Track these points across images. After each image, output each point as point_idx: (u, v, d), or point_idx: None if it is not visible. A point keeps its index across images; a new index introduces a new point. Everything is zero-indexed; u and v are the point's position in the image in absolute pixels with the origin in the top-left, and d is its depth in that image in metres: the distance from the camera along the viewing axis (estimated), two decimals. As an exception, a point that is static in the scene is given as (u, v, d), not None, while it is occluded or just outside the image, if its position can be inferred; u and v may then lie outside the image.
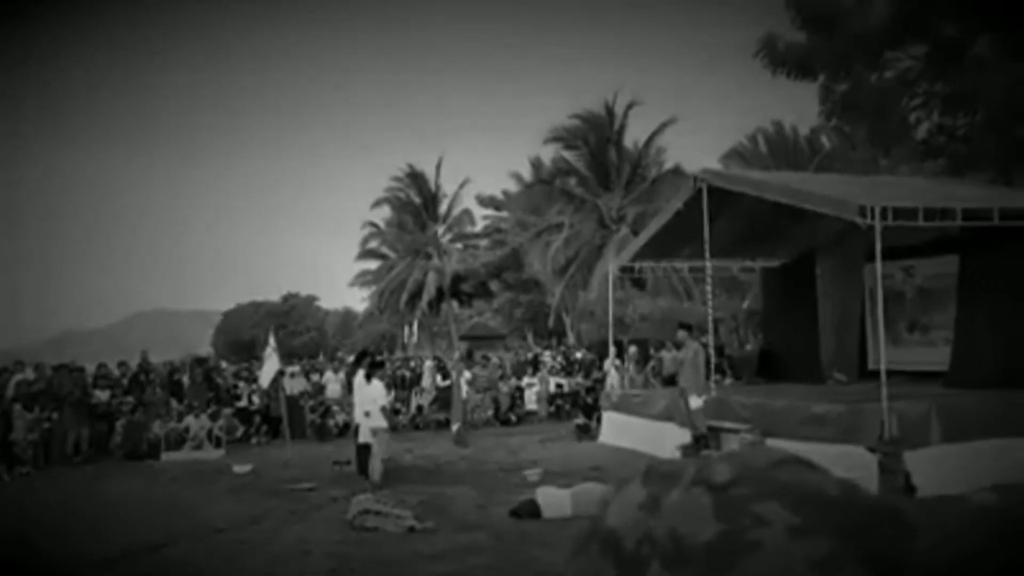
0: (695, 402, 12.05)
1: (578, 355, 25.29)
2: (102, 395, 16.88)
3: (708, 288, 14.20)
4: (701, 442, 12.08)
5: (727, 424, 11.74)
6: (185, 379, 18.83)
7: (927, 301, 14.32)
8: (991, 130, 17.00)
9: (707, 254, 13.34)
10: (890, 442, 9.23)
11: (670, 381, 18.51)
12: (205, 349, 67.81)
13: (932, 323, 14.16)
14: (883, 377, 9.61)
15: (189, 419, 16.65)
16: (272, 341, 16.40)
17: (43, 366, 17.24)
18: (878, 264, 9.90)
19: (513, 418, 20.87)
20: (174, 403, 17.58)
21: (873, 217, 9.65)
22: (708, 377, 13.12)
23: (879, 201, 9.85)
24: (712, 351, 14.24)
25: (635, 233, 26.12)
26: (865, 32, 15.90)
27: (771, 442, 11.07)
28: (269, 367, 16.27)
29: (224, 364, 22.24)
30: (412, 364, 23.63)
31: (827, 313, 16.14)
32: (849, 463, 9.59)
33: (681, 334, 12.80)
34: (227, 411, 17.92)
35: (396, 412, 17.80)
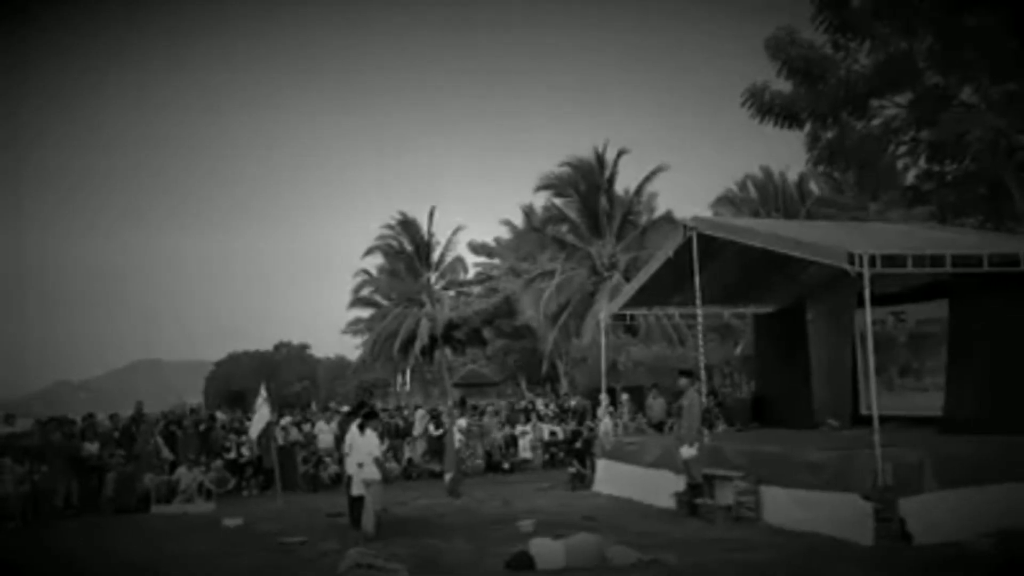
0: (688, 451, 11.99)
1: (571, 402, 25.23)
2: (91, 447, 16.72)
3: (700, 335, 14.21)
4: (696, 490, 11.99)
5: (721, 472, 11.68)
6: (178, 430, 18.67)
7: (919, 346, 14.34)
8: (978, 176, 17.19)
9: (699, 301, 13.38)
10: (884, 489, 9.19)
11: (659, 427, 18.49)
12: (196, 399, 67.44)
13: (924, 368, 14.17)
14: (876, 423, 9.59)
15: (181, 471, 16.50)
16: (263, 392, 16.35)
17: (41, 420, 17.14)
18: (868, 310, 9.95)
19: (506, 466, 20.76)
20: (167, 453, 17.42)
21: (862, 264, 9.72)
22: (703, 424, 13.07)
23: (868, 248, 9.92)
24: (705, 398, 14.21)
25: (627, 280, 26.20)
26: (850, 81, 16.13)
27: (765, 490, 11.04)
28: (259, 417, 16.22)
29: (219, 415, 22.07)
30: (405, 413, 23.51)
31: (819, 359, 16.16)
32: (844, 511, 9.59)
33: (682, 381, 12.77)
34: (217, 463, 17.78)
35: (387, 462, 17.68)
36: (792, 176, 35.55)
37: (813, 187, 34.72)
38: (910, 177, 18.52)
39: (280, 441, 18.20)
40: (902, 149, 17.40)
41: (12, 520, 14.50)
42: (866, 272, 9.71)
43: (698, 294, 13.33)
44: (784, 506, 10.69)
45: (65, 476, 15.96)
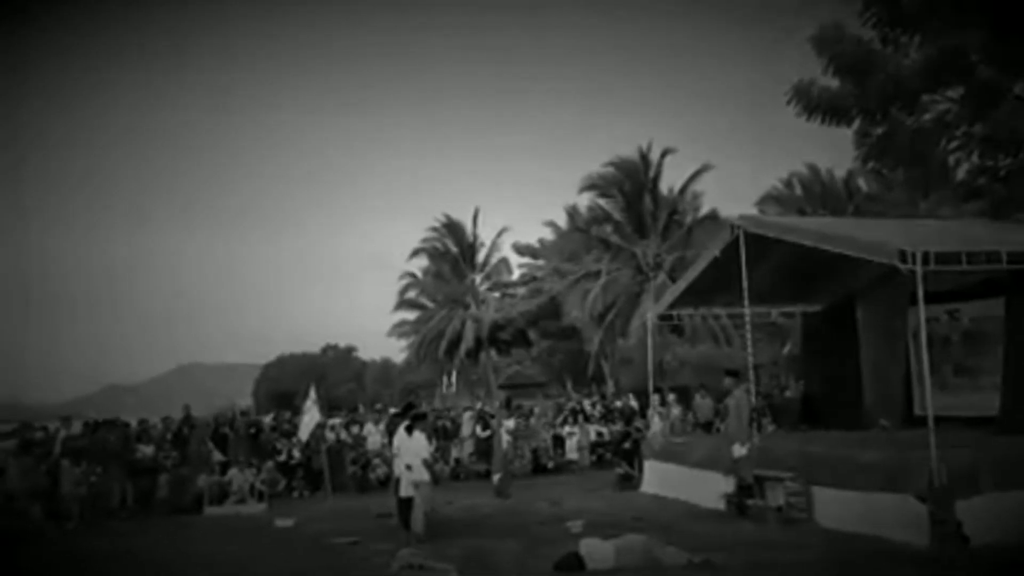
0: (739, 450, 11.91)
1: (618, 403, 25.15)
2: (146, 450, 17.06)
3: (748, 335, 14.09)
4: (746, 491, 11.90)
5: (771, 473, 11.57)
6: (230, 432, 18.95)
7: (973, 345, 14.09)
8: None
9: (746, 301, 13.28)
10: (940, 491, 9.04)
11: (707, 427, 18.38)
12: (246, 402, 68.34)
13: (979, 367, 13.91)
14: (931, 423, 9.43)
15: (232, 472, 16.74)
16: (312, 394, 16.55)
17: (89, 422, 17.49)
18: (921, 309, 9.80)
19: (550, 464, 20.77)
20: (217, 455, 17.70)
21: (915, 262, 9.57)
22: (752, 425, 12.97)
23: (920, 245, 9.77)
24: (754, 398, 14.10)
25: (672, 280, 26.08)
26: (900, 76, 15.87)
27: (816, 491, 10.92)
28: (309, 419, 16.41)
29: (267, 419, 22.34)
30: (452, 414, 23.61)
31: (870, 358, 15.95)
32: (898, 512, 9.45)
33: (728, 381, 12.70)
34: (268, 464, 18.00)
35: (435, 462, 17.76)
36: (839, 173, 35.11)
37: (861, 184, 34.24)
38: (962, 172, 18.18)
39: (329, 442, 18.37)
40: (954, 144, 17.07)
41: (70, 520, 14.81)
42: (919, 270, 9.56)
43: (745, 293, 13.24)
44: (836, 507, 10.55)
45: (121, 478, 16.32)
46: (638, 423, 21.40)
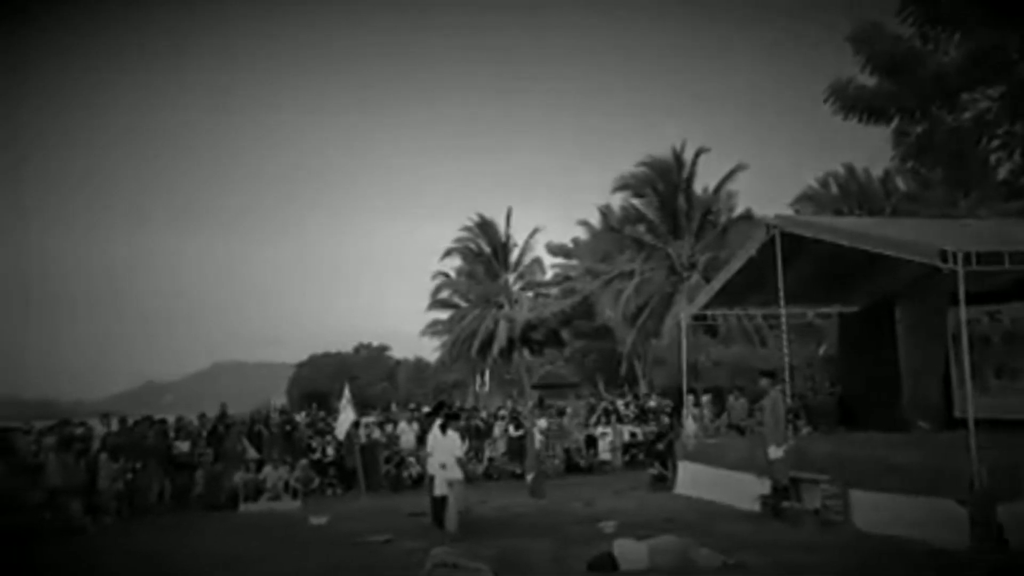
0: (775, 452, 11.80)
1: (651, 403, 25.04)
2: (183, 446, 17.25)
3: (784, 336, 13.96)
4: (781, 494, 11.79)
5: (808, 475, 11.46)
6: (264, 430, 19.10)
7: (1015, 346, 13.87)
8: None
9: (782, 301, 13.17)
10: (981, 494, 8.90)
11: (741, 429, 18.23)
12: (280, 400, 68.83)
13: (1020, 369, 13.70)
14: (971, 425, 9.30)
15: (267, 470, 16.88)
16: (347, 392, 16.64)
17: (127, 419, 17.71)
18: (962, 309, 9.65)
19: (582, 463, 20.73)
20: (252, 452, 17.85)
21: (956, 262, 9.43)
22: (788, 426, 12.85)
23: (962, 245, 9.63)
24: (790, 399, 13.98)
25: (706, 280, 25.89)
26: (940, 74, 15.67)
27: (853, 493, 10.80)
28: (345, 418, 16.50)
29: (301, 416, 22.48)
30: (483, 414, 23.59)
31: (908, 360, 15.76)
32: (938, 516, 9.32)
33: (764, 382, 12.59)
34: (303, 462, 18.13)
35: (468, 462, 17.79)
36: (876, 173, 34.71)
37: (899, 184, 33.84)
38: (1003, 172, 17.93)
39: (363, 440, 18.46)
40: (995, 143, 16.84)
41: (108, 515, 15.02)
42: (960, 270, 9.43)
43: (781, 294, 13.13)
44: (874, 510, 10.43)
45: (158, 474, 16.56)
46: (666, 421, 21.34)
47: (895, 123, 16.97)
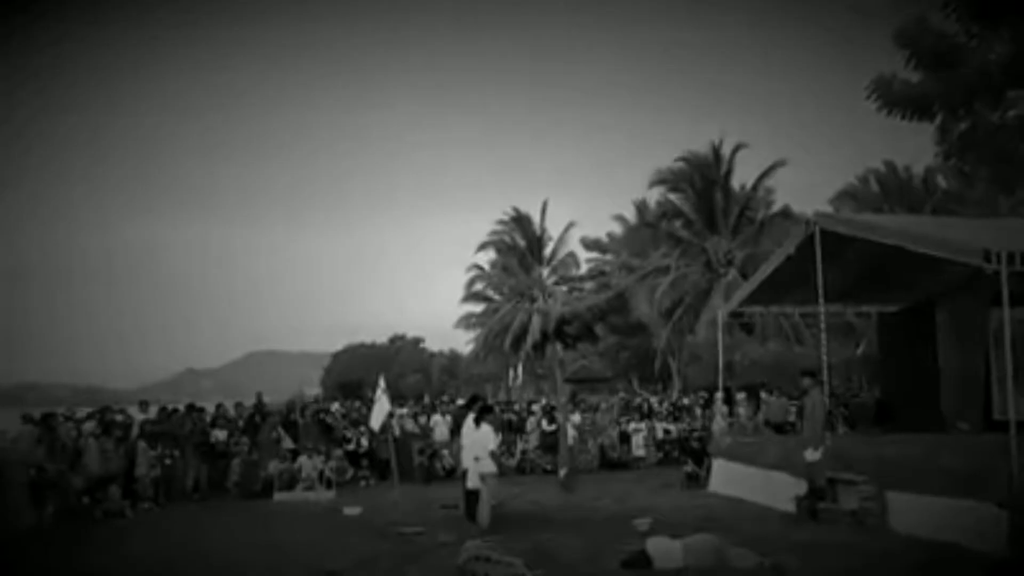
0: (812, 455, 11.68)
1: (685, 400, 24.94)
2: (220, 435, 17.44)
3: (823, 335, 13.81)
4: (817, 494, 11.67)
5: (845, 476, 11.34)
6: (300, 419, 19.26)
7: (1057, 349, 13.60)
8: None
9: (821, 299, 13.03)
10: (1020, 497, 8.76)
11: (778, 428, 18.09)
12: (315, 390, 69.39)
13: (1063, 372, 13.42)
14: (1012, 428, 9.15)
15: (302, 459, 17.01)
16: (382, 383, 16.68)
17: (166, 407, 17.94)
18: (1006, 310, 9.50)
19: (615, 455, 20.70)
20: (287, 442, 18.00)
21: (1000, 262, 9.28)
22: (827, 427, 12.71)
23: (1006, 245, 9.47)
24: (828, 400, 13.82)
25: (743, 276, 25.74)
26: (986, 71, 15.39)
27: (891, 495, 10.67)
28: (380, 408, 16.56)
29: (335, 406, 22.65)
30: (516, 408, 23.62)
31: (949, 361, 15.53)
32: (976, 518, 9.19)
33: (806, 381, 12.42)
34: (338, 452, 18.24)
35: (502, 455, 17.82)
36: (917, 170, 34.28)
37: (940, 182, 33.39)
38: (1050, 171, 17.58)
39: (397, 432, 18.55)
40: (1041, 142, 16.51)
41: (145, 502, 15.24)
42: (1004, 270, 9.28)
43: (820, 292, 12.99)
44: (911, 513, 10.30)
45: (195, 461, 16.77)
46: (699, 416, 21.25)
47: (938, 120, 16.70)
